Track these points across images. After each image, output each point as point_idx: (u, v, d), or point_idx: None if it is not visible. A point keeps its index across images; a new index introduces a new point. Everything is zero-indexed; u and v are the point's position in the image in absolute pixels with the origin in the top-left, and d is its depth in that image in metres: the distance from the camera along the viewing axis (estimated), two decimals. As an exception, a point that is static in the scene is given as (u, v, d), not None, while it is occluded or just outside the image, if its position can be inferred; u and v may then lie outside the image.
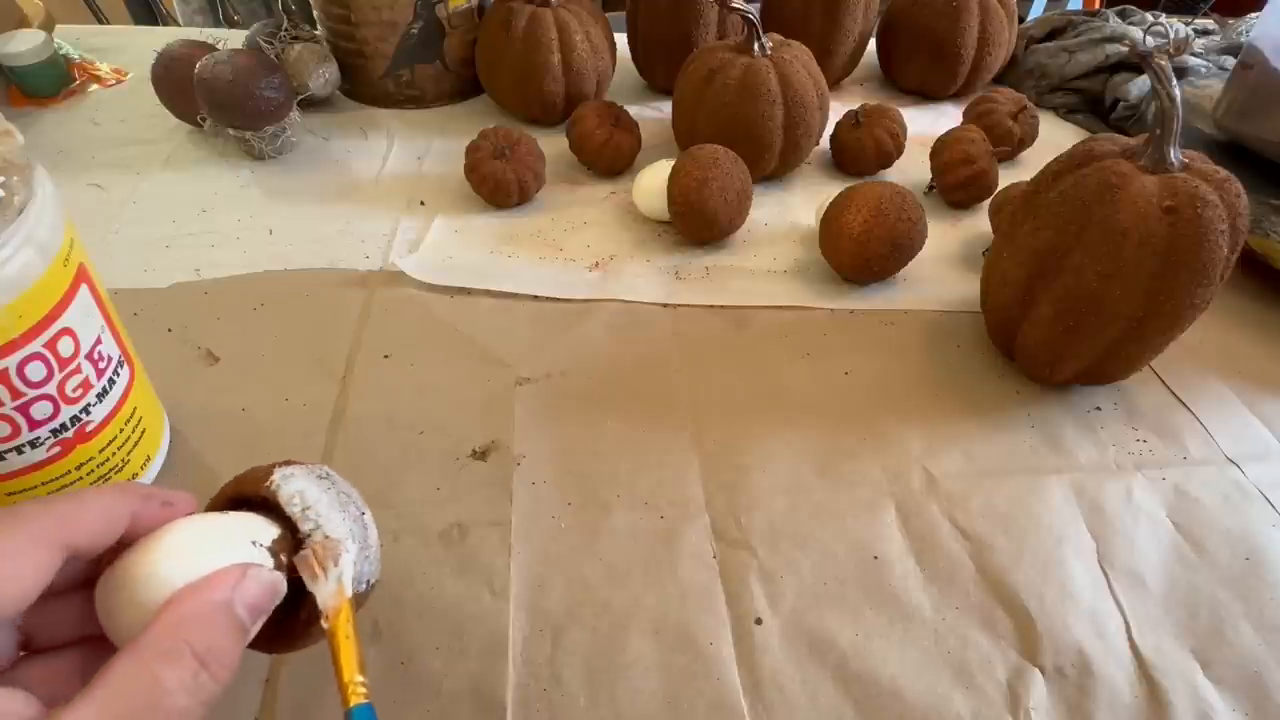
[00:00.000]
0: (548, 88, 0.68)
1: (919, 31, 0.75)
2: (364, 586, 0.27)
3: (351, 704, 0.23)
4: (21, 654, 0.23)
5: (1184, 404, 0.49)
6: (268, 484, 0.26)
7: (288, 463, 0.28)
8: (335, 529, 0.26)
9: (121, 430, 0.37)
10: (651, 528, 0.40)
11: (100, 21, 1.45)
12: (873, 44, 0.82)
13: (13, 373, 0.30)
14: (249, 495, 0.27)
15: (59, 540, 0.22)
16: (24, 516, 0.22)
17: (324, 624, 0.25)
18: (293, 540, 0.26)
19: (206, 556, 0.23)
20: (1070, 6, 1.37)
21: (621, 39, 0.76)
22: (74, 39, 0.80)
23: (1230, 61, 0.77)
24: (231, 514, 0.26)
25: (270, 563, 0.25)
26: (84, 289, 0.33)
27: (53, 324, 0.31)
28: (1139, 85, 0.74)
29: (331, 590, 0.25)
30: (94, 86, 0.75)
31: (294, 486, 0.26)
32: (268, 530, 0.25)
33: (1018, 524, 0.41)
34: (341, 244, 0.58)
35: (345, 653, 0.24)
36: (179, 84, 0.64)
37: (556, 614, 0.36)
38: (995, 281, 0.48)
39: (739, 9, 0.58)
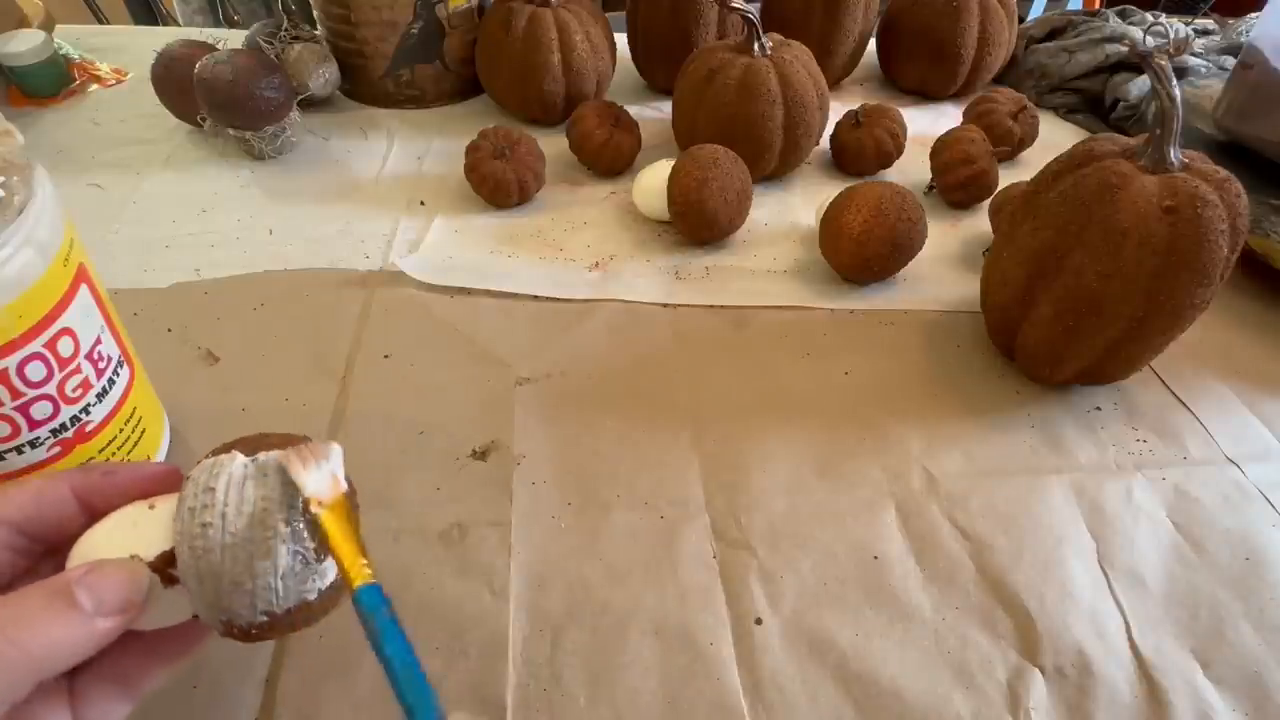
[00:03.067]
0: (548, 88, 0.68)
1: (919, 31, 0.75)
2: (262, 618, 0.24)
3: (357, 584, 0.23)
4: None
5: (1184, 404, 0.49)
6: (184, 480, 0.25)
7: (280, 440, 0.26)
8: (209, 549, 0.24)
9: (121, 430, 0.37)
10: (651, 528, 0.40)
11: (100, 21, 1.45)
12: (873, 44, 0.82)
13: (13, 373, 0.30)
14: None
15: None
16: None
17: (315, 510, 0.24)
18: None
19: (104, 551, 0.24)
20: (1070, 6, 1.37)
21: (621, 39, 0.76)
22: (74, 39, 0.80)
23: (1230, 61, 0.77)
24: (159, 508, 0.25)
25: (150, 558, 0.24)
26: (84, 289, 0.33)
27: (53, 324, 0.31)
28: (1139, 85, 0.74)
29: (325, 480, 0.24)
30: (94, 86, 0.75)
31: (194, 501, 0.24)
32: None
33: (1018, 524, 0.41)
34: (341, 244, 0.58)
35: (346, 539, 0.23)
36: (179, 84, 0.64)
37: (556, 614, 0.36)
38: (995, 281, 0.48)
39: (739, 9, 0.58)
